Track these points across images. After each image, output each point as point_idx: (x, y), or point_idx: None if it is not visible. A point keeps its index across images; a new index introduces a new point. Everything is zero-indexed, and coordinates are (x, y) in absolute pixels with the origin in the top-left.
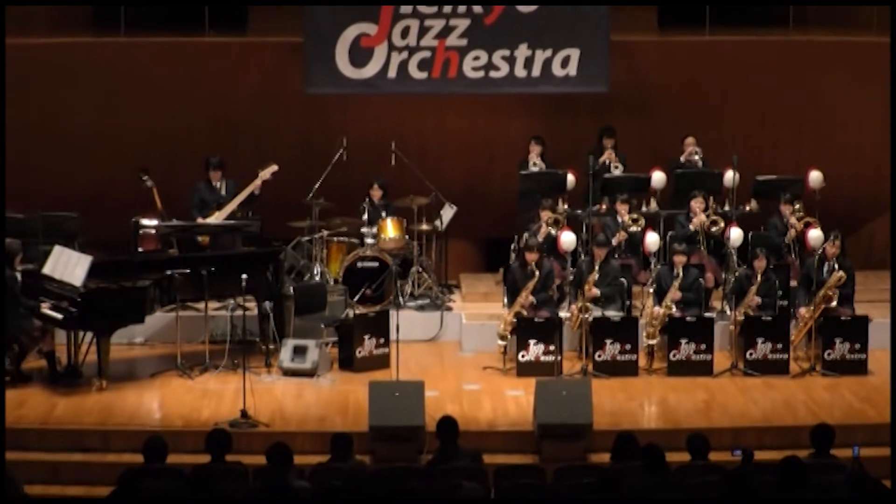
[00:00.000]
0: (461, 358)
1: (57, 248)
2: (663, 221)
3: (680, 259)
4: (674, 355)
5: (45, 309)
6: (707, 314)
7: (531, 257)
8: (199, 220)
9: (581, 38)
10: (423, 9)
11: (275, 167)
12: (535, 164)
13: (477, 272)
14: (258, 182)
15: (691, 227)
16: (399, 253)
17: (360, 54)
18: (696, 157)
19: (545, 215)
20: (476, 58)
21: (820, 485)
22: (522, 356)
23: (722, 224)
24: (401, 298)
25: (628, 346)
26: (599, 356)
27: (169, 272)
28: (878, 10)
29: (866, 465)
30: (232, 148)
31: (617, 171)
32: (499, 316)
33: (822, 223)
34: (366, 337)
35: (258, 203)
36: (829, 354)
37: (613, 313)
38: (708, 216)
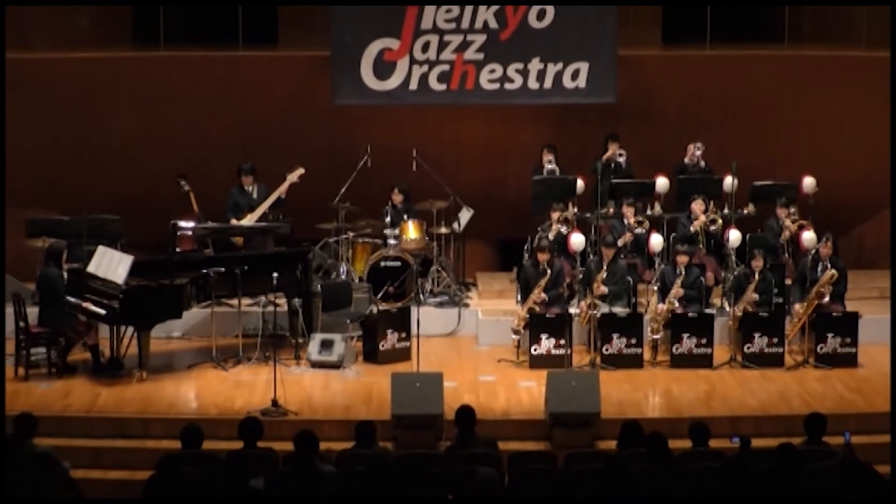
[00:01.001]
0: (477, 351)
1: (101, 249)
2: (666, 224)
3: (682, 259)
4: (676, 349)
5: (90, 305)
6: (707, 310)
7: (543, 257)
8: (233, 222)
9: (590, 52)
10: (442, 25)
11: (301, 170)
12: (549, 162)
13: (492, 271)
14: (286, 185)
15: (692, 227)
16: (419, 253)
17: (383, 68)
18: (699, 153)
19: (556, 218)
20: (492, 71)
21: (813, 470)
22: (535, 349)
23: (720, 223)
24: (421, 295)
25: (634, 341)
26: (607, 349)
27: (204, 271)
28: (869, 26)
29: (856, 450)
30: (263, 155)
31: (621, 159)
32: (513, 312)
33: (815, 225)
34: (388, 331)
35: (286, 206)
36: (821, 348)
37: (620, 310)
38: (707, 216)
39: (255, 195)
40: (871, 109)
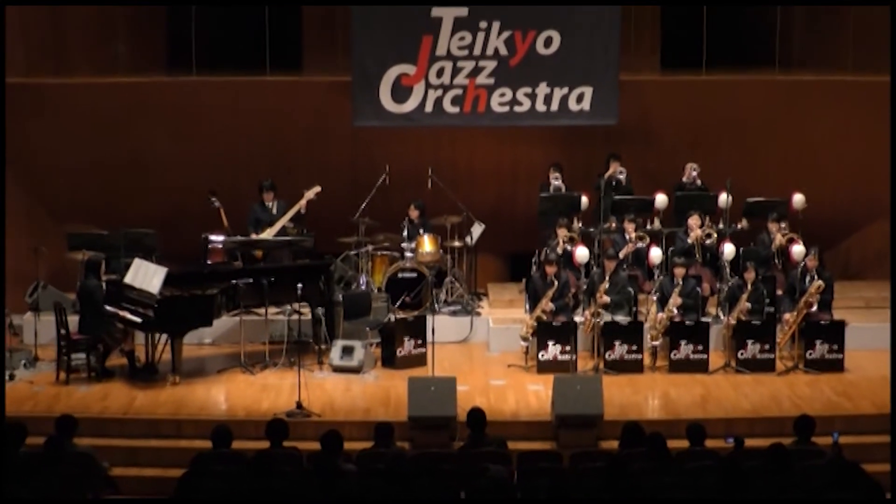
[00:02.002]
0: (489, 357)
1: (137, 261)
2: (665, 238)
3: (680, 271)
4: (674, 355)
5: (126, 313)
6: (703, 319)
7: (550, 270)
8: (254, 236)
9: (593, 77)
10: (455, 52)
11: (318, 188)
12: (555, 180)
13: (502, 282)
14: (304, 202)
15: (689, 240)
16: (434, 265)
17: (400, 91)
18: (695, 174)
19: (562, 233)
20: (502, 95)
21: (802, 468)
22: (542, 355)
23: (715, 236)
24: (436, 305)
25: (635, 347)
26: (609, 355)
27: (234, 282)
28: (855, 51)
29: (843, 450)
30: (289, 174)
31: (622, 177)
32: (522, 320)
33: (804, 239)
34: (405, 338)
35: (310, 220)
36: (810, 354)
37: (622, 318)
38: (703, 230)
39: (274, 211)
40: (857, 130)
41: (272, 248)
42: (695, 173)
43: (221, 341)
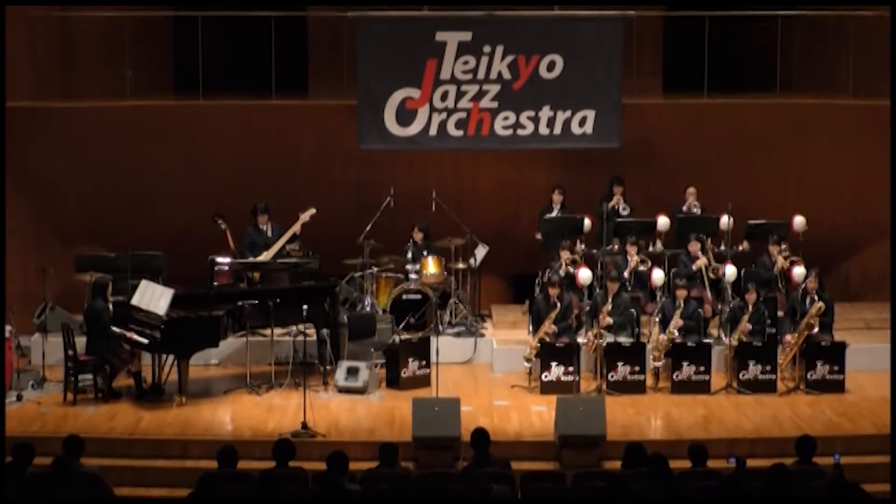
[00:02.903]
0: (492, 378)
1: (143, 283)
2: (667, 260)
3: (681, 292)
4: (676, 376)
5: (133, 335)
6: (705, 340)
7: (553, 292)
8: (251, 259)
9: (596, 101)
10: (459, 76)
11: (313, 210)
12: (557, 203)
13: (506, 303)
14: (298, 224)
15: (694, 267)
16: (438, 287)
17: (405, 115)
18: (696, 210)
19: (565, 255)
20: (505, 118)
21: (803, 488)
22: (545, 376)
23: (720, 271)
24: (440, 326)
25: (637, 368)
26: (612, 376)
27: (240, 303)
28: (855, 76)
29: (844, 470)
30: (295, 196)
31: (625, 213)
32: (525, 341)
33: (804, 261)
34: (410, 359)
35: (315, 243)
36: (811, 375)
37: (624, 339)
38: (708, 261)
39: (269, 233)
40: (856, 154)
41: (274, 270)
42: (695, 209)
43: (227, 362)
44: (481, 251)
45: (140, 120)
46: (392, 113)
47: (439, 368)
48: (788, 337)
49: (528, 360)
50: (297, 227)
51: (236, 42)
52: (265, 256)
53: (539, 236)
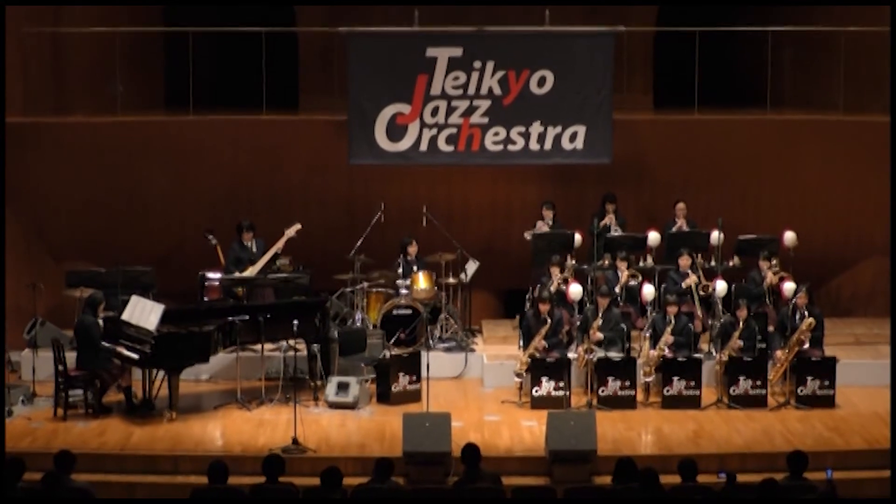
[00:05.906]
0: (483, 393)
1: (134, 298)
2: (658, 275)
3: (672, 308)
4: (667, 391)
5: (124, 350)
6: (696, 355)
7: (544, 307)
8: (237, 275)
9: (587, 116)
10: (450, 91)
11: (298, 226)
12: (548, 218)
13: (497, 319)
14: (283, 240)
15: (683, 285)
16: (429, 302)
17: (396, 130)
18: (686, 229)
19: (556, 271)
20: (496, 133)
21: (794, 503)
22: (536, 391)
23: (711, 289)
24: (430, 341)
25: (628, 383)
26: (603, 391)
27: (230, 318)
28: (846, 92)
29: (836, 486)
30: (286, 211)
31: (616, 233)
32: (516, 357)
33: (794, 277)
34: (400, 374)
35: (306, 257)
36: (801, 390)
37: (615, 354)
38: (698, 277)
39: (254, 249)
40: (847, 169)
41: (260, 286)
42: (682, 215)
43: (218, 377)
44: (472, 266)
45: (131, 136)
46: (382, 128)
47: (430, 383)
48: (779, 352)
49: (518, 375)
50: (280, 244)
51: (227, 58)
52: (250, 272)
53: (528, 236)
